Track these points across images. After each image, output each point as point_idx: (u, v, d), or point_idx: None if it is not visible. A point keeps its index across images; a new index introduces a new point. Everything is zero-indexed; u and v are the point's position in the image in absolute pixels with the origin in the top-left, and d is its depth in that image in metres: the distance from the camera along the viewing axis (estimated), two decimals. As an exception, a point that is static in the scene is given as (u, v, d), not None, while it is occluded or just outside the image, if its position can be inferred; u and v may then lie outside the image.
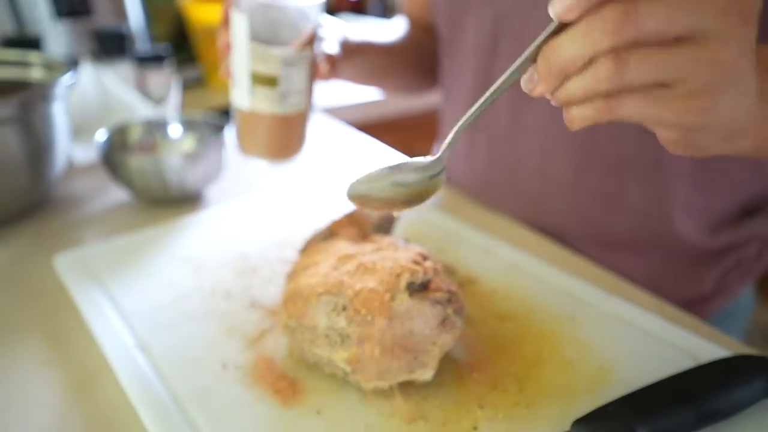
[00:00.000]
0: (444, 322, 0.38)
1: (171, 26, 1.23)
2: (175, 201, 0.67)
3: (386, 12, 1.88)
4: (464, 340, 0.44)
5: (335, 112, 1.11)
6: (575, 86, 0.28)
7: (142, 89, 0.94)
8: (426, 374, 0.38)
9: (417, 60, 0.73)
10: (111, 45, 0.91)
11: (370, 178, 0.33)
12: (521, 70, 0.29)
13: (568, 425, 0.36)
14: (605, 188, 0.59)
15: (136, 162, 0.62)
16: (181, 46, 1.21)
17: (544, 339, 0.44)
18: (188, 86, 1.14)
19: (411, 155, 0.82)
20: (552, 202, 0.62)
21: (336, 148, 0.85)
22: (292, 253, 0.56)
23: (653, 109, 0.28)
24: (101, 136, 0.66)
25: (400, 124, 1.23)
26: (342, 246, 0.45)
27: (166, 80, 0.94)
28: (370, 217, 0.51)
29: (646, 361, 0.41)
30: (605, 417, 0.35)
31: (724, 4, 0.25)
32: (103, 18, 1.04)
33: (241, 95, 0.53)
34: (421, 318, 0.37)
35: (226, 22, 0.52)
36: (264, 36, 0.50)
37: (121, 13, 1.06)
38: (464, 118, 0.32)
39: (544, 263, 0.53)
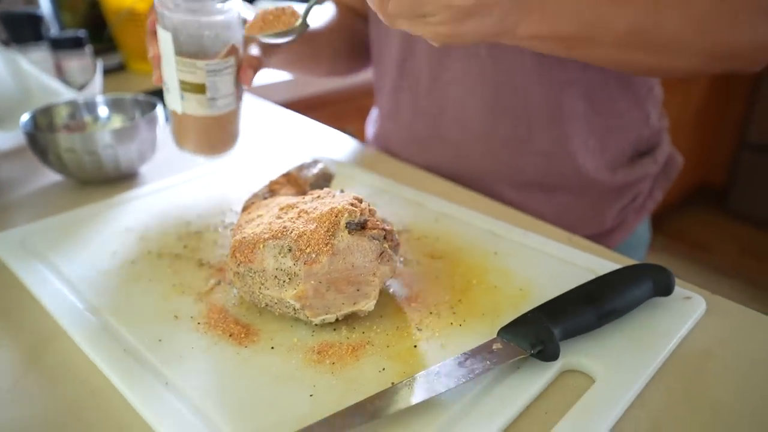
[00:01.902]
0: (382, 255, 0.42)
1: (83, 14, 1.19)
2: (111, 180, 0.67)
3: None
4: (402, 277, 0.48)
5: (262, 92, 1.12)
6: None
7: (61, 75, 0.91)
8: (369, 304, 0.42)
9: (346, 44, 0.76)
10: (23, 30, 0.88)
11: None
12: None
13: (495, 335, 0.41)
14: (516, 132, 0.66)
15: (65, 141, 0.62)
16: (97, 35, 1.17)
17: (472, 271, 0.49)
18: (109, 73, 1.11)
19: (341, 130, 0.86)
20: (471, 149, 0.69)
21: (266, 125, 0.87)
22: (233, 218, 0.58)
23: (417, 30, 0.46)
24: (25, 118, 0.65)
25: (328, 100, 1.26)
26: (283, 200, 0.48)
27: (86, 65, 0.92)
28: (307, 176, 0.55)
29: (558, 280, 0.47)
30: (525, 322, 0.40)
31: None
32: (10, 3, 1.00)
33: (174, 100, 0.58)
34: (361, 252, 0.41)
35: (154, 33, 0.56)
36: (189, 48, 0.54)
37: (29, -2, 1.02)
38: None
39: (469, 210, 0.58)
